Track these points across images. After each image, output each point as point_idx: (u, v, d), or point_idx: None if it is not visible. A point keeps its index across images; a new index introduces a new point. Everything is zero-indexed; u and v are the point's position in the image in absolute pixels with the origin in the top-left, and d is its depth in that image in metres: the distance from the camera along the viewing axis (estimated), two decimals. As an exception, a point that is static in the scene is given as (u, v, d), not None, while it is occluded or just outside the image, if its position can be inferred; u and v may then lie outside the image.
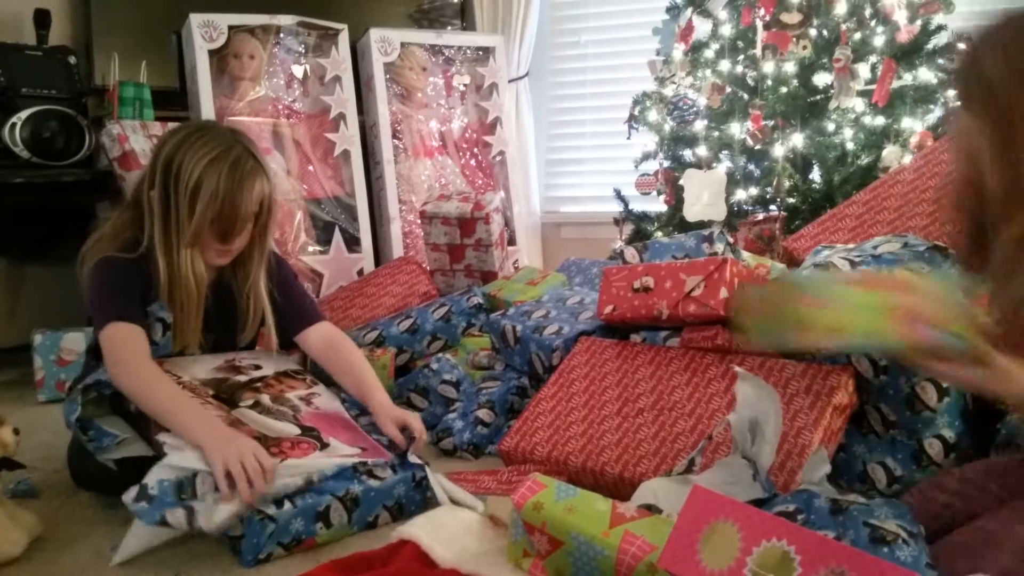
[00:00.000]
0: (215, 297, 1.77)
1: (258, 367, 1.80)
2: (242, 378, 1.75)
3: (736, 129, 2.95)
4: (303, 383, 1.80)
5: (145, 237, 1.66)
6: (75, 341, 2.59)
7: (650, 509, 1.27)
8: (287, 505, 1.41)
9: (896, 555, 1.06)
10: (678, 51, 3.14)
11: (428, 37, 3.58)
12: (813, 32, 2.86)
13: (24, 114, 2.66)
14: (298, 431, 1.61)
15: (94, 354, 1.74)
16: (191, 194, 1.60)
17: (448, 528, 1.35)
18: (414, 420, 1.67)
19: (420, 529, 1.33)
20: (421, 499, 1.57)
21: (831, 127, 2.80)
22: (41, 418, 2.24)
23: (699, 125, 3.04)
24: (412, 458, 1.61)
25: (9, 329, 3.02)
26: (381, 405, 1.71)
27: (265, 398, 1.70)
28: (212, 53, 3.06)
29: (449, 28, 3.79)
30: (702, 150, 3.01)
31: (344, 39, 3.34)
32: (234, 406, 1.65)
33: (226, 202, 1.62)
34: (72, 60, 2.85)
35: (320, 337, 1.86)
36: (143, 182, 1.69)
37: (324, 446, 1.59)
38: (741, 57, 3.01)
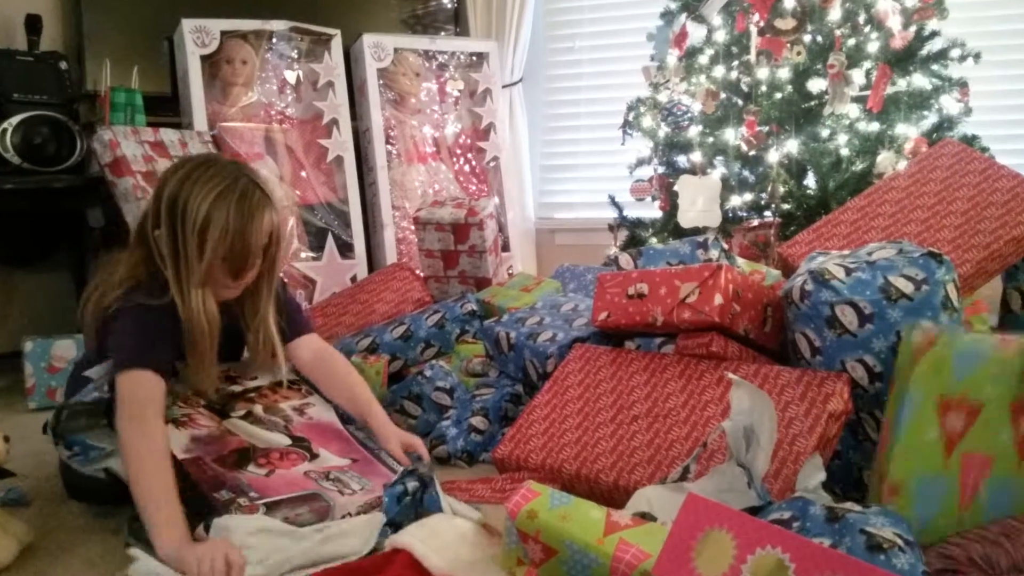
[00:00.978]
0: (224, 332, 1.68)
1: (253, 377, 1.79)
2: (236, 388, 1.73)
3: (731, 135, 2.95)
4: (298, 393, 1.79)
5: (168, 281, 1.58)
6: (66, 348, 2.58)
7: (644, 517, 1.26)
8: None
9: (892, 563, 1.06)
10: (672, 57, 3.14)
11: (421, 42, 3.58)
12: (807, 38, 2.86)
13: (15, 120, 2.64)
14: (288, 442, 1.60)
15: (82, 367, 1.70)
16: (200, 232, 1.52)
17: (442, 536, 1.34)
18: (420, 443, 1.67)
19: (414, 537, 1.32)
20: (414, 514, 1.55)
21: (825, 133, 2.80)
22: (32, 426, 2.21)
23: (694, 131, 3.04)
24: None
25: (-1, 336, 3.00)
26: (384, 426, 1.68)
27: (258, 408, 1.68)
28: (204, 58, 3.05)
29: (443, 33, 3.79)
30: (697, 156, 3.01)
31: (337, 44, 3.33)
32: (226, 416, 1.63)
33: (237, 237, 1.54)
34: (63, 65, 2.84)
35: (309, 350, 1.82)
36: (146, 220, 1.62)
37: (314, 457, 1.58)
38: (735, 63, 3.01)
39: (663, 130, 3.12)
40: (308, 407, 1.75)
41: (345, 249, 3.27)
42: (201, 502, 1.44)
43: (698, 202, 2.94)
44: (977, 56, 2.79)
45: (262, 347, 1.73)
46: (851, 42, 2.80)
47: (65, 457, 1.59)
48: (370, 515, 1.47)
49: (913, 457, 1.33)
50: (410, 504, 1.51)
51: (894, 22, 2.77)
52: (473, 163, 3.68)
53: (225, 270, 1.57)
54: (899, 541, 1.09)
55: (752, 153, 2.91)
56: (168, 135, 2.79)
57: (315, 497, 1.48)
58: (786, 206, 2.79)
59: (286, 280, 3.00)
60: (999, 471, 1.30)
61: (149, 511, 1.37)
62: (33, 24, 2.88)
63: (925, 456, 1.33)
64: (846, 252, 1.72)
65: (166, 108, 3.09)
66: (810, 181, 2.87)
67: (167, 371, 1.54)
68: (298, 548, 1.35)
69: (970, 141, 2.62)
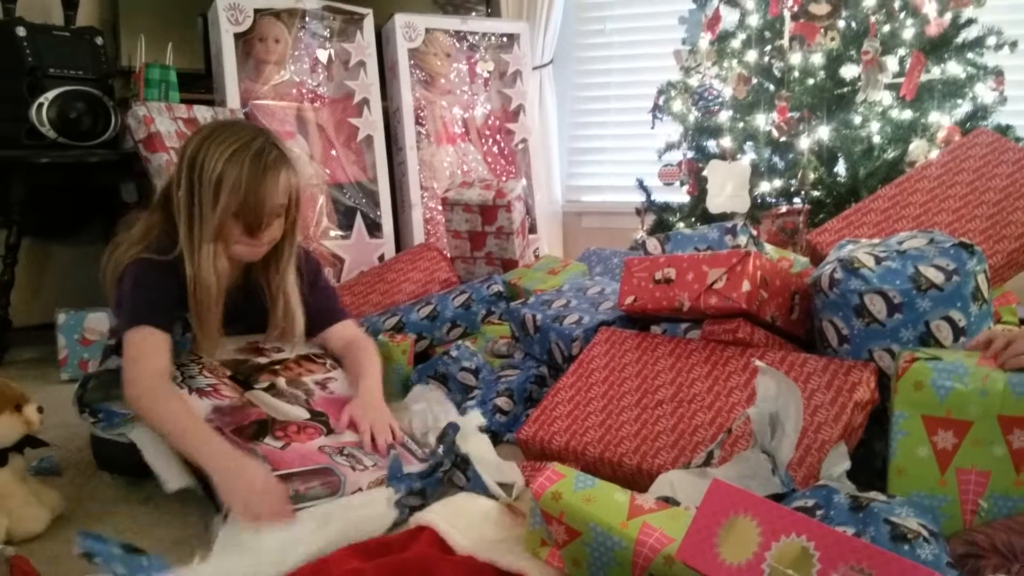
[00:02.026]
0: (244, 297, 1.75)
1: (280, 350, 1.82)
2: (262, 360, 1.76)
3: (761, 120, 2.92)
4: (322, 367, 1.82)
5: (180, 238, 1.63)
6: (98, 321, 2.61)
7: (668, 501, 1.27)
8: None
9: (917, 553, 1.06)
10: (704, 41, 3.12)
11: (453, 23, 3.57)
12: (841, 24, 2.82)
13: (51, 94, 2.67)
14: (307, 415, 1.63)
15: (113, 336, 1.75)
16: (215, 187, 1.57)
17: (466, 515, 1.35)
18: (369, 431, 1.62)
19: (438, 515, 1.33)
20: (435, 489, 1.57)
21: (858, 120, 2.77)
22: (64, 397, 2.23)
23: (724, 116, 3.02)
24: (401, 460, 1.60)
25: (33, 308, 3.04)
26: (361, 394, 1.70)
27: (281, 381, 1.71)
28: (238, 36, 3.07)
29: (474, 14, 3.78)
30: (726, 141, 2.99)
31: (369, 24, 3.33)
32: (249, 388, 1.66)
33: (250, 193, 1.58)
34: (99, 41, 2.86)
35: (342, 339, 1.86)
36: (171, 184, 1.67)
37: (330, 432, 1.61)
38: (768, 48, 2.99)
39: (693, 114, 3.10)
40: (331, 381, 1.78)
41: (373, 228, 3.28)
42: None
43: (727, 187, 2.92)
44: (1013, 45, 2.74)
45: (283, 312, 1.76)
46: (886, 28, 2.76)
47: (89, 423, 1.65)
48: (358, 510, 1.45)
49: (908, 475, 1.35)
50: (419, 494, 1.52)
51: (930, 9, 2.73)
52: (502, 145, 3.68)
53: (240, 226, 1.62)
54: (924, 531, 1.09)
55: (783, 139, 2.88)
56: (201, 112, 2.81)
57: (327, 471, 1.50)
58: (816, 193, 2.77)
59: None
60: (997, 486, 1.30)
61: (182, 442, 1.46)
62: (70, -1, 2.91)
63: (920, 474, 1.34)
64: (876, 241, 1.71)
65: (199, 85, 3.11)
66: (840, 168, 2.84)
67: (171, 329, 1.61)
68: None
69: (1004, 131, 2.59)
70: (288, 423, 1.59)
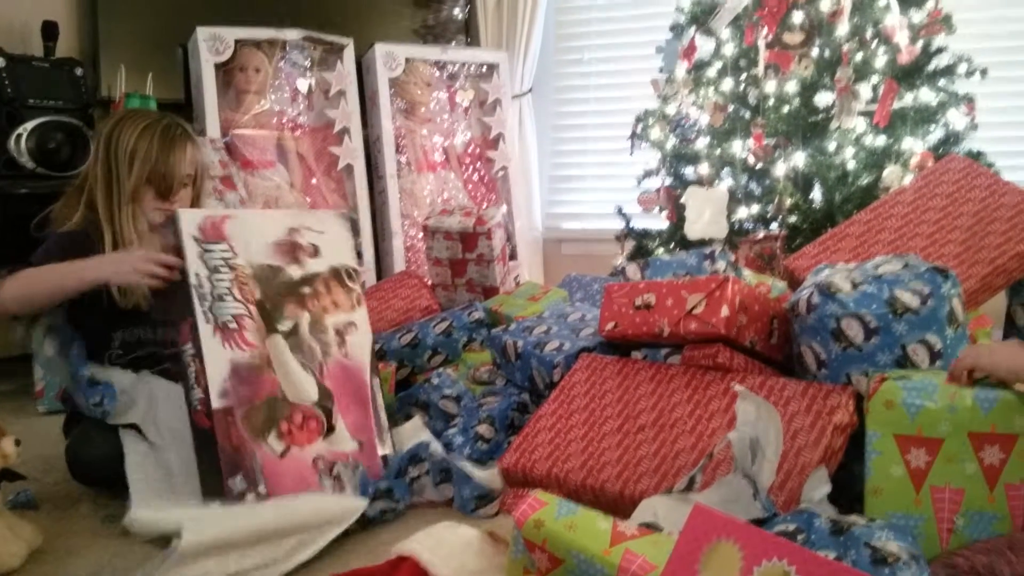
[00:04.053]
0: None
1: (316, 250, 1.81)
2: (295, 272, 1.76)
3: (738, 147, 2.95)
4: (348, 299, 1.84)
5: (95, 208, 1.85)
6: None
7: (651, 527, 1.27)
8: None
9: (897, 576, 1.06)
10: (681, 69, 3.15)
11: (433, 52, 3.60)
12: (815, 52, 2.86)
13: (30, 125, 2.67)
14: (315, 396, 1.68)
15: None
16: (129, 158, 1.84)
17: (448, 544, 1.34)
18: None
19: (420, 545, 1.32)
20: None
21: (832, 147, 2.81)
22: (41, 429, 2.23)
23: (701, 143, 3.05)
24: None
25: (9, 339, 3.01)
26: None
27: (305, 320, 1.73)
28: (218, 66, 3.08)
29: (453, 44, 3.81)
30: (704, 168, 3.02)
31: (349, 54, 3.35)
32: (272, 328, 1.68)
33: (160, 161, 1.85)
34: (79, 72, 2.86)
35: None
36: (89, 165, 1.93)
37: (329, 431, 1.68)
38: (743, 76, 3.02)
39: (671, 142, 3.13)
40: (350, 330, 1.81)
41: (353, 256, 3.28)
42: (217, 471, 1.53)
43: (705, 214, 2.95)
44: (984, 72, 2.79)
45: None
46: (858, 57, 2.81)
47: (94, 410, 1.73)
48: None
49: (884, 495, 1.36)
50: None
51: (901, 37, 2.78)
52: (482, 172, 3.70)
53: (152, 192, 1.88)
54: (904, 555, 1.10)
55: (759, 166, 2.91)
56: (180, 142, 2.81)
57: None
58: (792, 219, 2.79)
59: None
60: (972, 503, 1.32)
61: (60, 277, 1.72)
62: (49, 30, 2.90)
63: (895, 493, 1.35)
64: (852, 265, 1.73)
65: (180, 115, 3.08)
66: (816, 194, 2.87)
67: None
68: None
69: (976, 156, 2.63)
70: (294, 411, 1.63)
